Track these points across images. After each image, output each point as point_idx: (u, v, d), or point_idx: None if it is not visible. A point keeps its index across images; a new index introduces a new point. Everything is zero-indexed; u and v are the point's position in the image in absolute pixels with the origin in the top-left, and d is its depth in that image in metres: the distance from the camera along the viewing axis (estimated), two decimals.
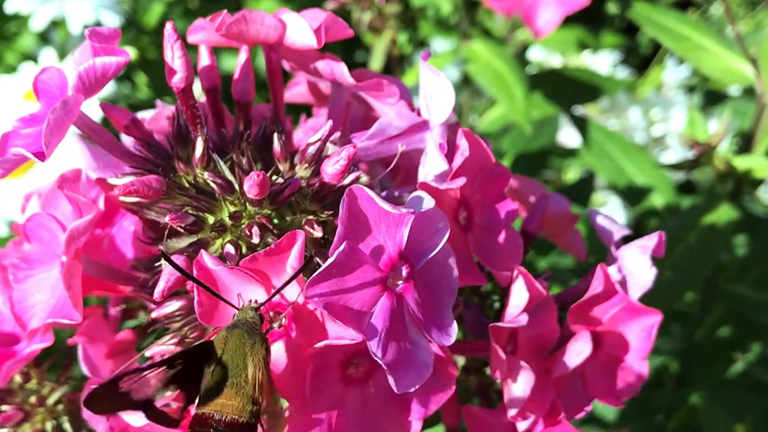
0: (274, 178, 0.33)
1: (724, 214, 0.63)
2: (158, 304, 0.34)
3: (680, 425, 0.84)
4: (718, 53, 0.62)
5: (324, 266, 0.29)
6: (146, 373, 0.29)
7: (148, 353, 0.34)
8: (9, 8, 0.89)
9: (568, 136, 1.08)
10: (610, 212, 1.11)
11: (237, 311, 0.30)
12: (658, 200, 0.75)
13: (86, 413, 0.38)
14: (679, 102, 1.18)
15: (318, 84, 0.41)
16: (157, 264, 0.35)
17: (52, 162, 0.83)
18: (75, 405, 0.42)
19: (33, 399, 0.41)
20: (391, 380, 0.29)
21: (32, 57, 1.11)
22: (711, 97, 1.02)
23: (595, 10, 1.31)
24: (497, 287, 0.43)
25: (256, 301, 0.30)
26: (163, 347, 0.34)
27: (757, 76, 0.61)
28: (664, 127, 1.17)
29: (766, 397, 0.78)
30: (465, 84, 0.80)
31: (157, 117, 0.39)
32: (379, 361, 0.29)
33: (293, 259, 0.29)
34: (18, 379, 0.41)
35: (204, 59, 0.36)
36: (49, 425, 0.41)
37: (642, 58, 1.45)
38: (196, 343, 0.31)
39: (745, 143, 0.66)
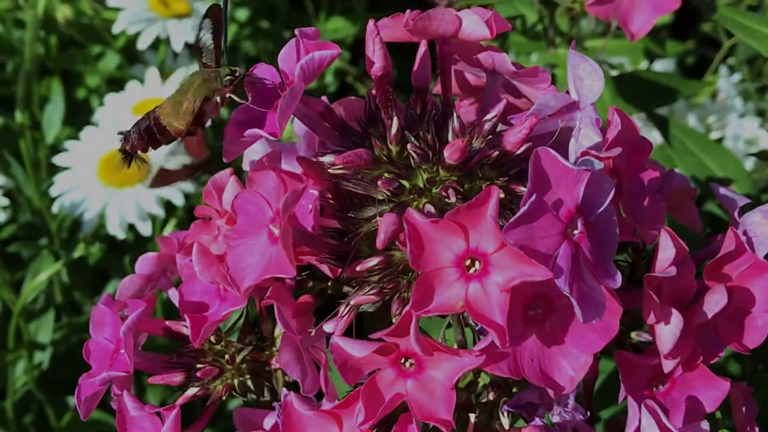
0: None
1: None
2: (360, 263, 0.39)
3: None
4: None
5: (518, 214, 0.35)
6: None
7: (352, 302, 0.40)
8: (116, 29, 0.95)
9: None
10: None
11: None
12: (737, 192, 0.79)
13: (284, 359, 0.43)
14: (736, 109, 1.22)
15: (466, 76, 0.47)
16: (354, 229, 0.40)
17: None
18: (256, 364, 0.47)
19: (226, 357, 0.46)
20: (578, 311, 0.35)
21: (114, 79, 1.17)
22: None
23: None
24: (627, 257, 0.49)
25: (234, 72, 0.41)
26: (365, 297, 0.39)
27: None
28: (721, 132, 1.22)
29: None
30: None
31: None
32: (567, 294, 0.35)
33: (491, 209, 0.35)
34: (212, 339, 0.47)
35: None
36: (236, 382, 0.47)
37: (686, 68, 1.50)
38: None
39: None
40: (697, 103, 1.25)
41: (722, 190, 0.46)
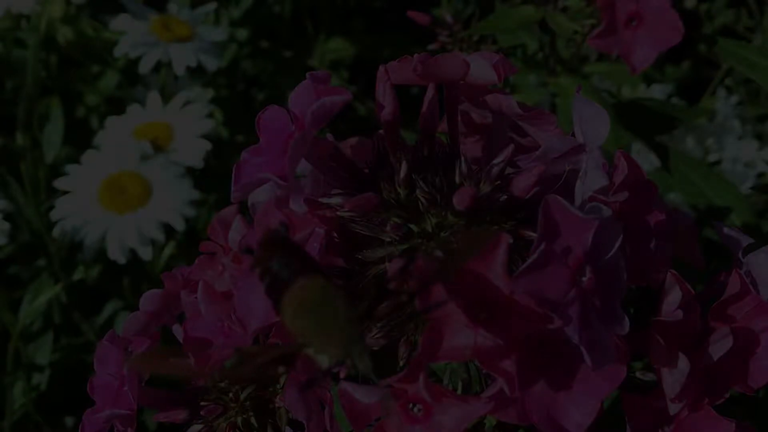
0: None
1: None
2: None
3: None
4: None
5: (527, 263, 0.35)
6: None
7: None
8: (117, 52, 0.96)
9: None
10: None
11: None
12: (736, 221, 0.80)
13: (289, 398, 0.43)
14: (734, 131, 1.23)
15: (472, 116, 0.47)
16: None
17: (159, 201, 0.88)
18: (260, 402, 0.47)
19: (230, 395, 0.46)
20: (587, 359, 0.35)
21: (113, 98, 1.17)
22: None
23: None
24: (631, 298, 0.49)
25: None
26: (372, 341, 0.39)
27: None
28: (719, 154, 1.22)
29: None
30: None
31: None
32: (576, 342, 0.35)
33: (502, 255, 0.35)
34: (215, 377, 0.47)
35: None
36: (239, 420, 0.47)
37: (683, 89, 1.50)
38: None
39: None
40: (695, 125, 1.26)
41: (726, 230, 0.47)
